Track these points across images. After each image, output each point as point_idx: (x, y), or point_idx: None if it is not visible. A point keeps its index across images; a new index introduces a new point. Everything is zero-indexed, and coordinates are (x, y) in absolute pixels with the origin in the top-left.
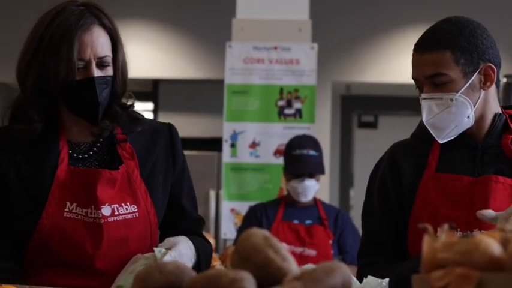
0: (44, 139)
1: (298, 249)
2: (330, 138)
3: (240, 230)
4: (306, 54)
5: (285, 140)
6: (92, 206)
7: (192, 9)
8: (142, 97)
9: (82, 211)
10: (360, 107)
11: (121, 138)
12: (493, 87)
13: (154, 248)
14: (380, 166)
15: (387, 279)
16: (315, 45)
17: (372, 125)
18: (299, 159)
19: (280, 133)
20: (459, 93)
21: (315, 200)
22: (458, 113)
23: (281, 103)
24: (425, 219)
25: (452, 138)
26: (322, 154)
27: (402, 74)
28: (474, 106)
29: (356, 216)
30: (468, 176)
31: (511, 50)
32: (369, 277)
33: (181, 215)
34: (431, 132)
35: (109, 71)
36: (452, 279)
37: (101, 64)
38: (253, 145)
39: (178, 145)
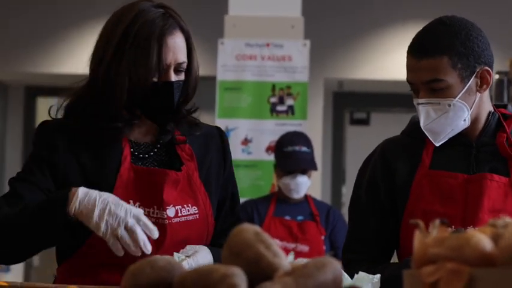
0: (107, 137)
1: (291, 245)
2: (322, 135)
3: None
4: (298, 51)
5: (277, 137)
6: (155, 206)
7: (184, 6)
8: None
9: (145, 210)
10: (352, 103)
11: (181, 139)
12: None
13: (174, 253)
14: (370, 162)
15: (378, 275)
16: (307, 42)
17: (364, 122)
18: (291, 155)
19: (273, 130)
20: (457, 99)
21: (306, 196)
22: (455, 118)
23: (273, 100)
24: (419, 216)
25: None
26: (313, 150)
27: (394, 71)
28: (470, 109)
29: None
30: (463, 173)
31: (501, 46)
32: (361, 273)
33: (222, 218)
34: (429, 137)
35: (182, 76)
36: (443, 274)
37: (178, 69)
38: (246, 142)
39: (228, 149)
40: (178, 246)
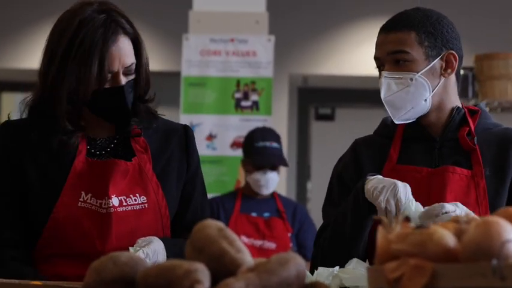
0: (63, 133)
1: (258, 242)
2: (287, 131)
3: None
4: (263, 47)
5: (241, 132)
6: (106, 197)
7: (149, 1)
8: None
9: (96, 202)
10: (317, 99)
11: (136, 132)
12: (453, 79)
13: (130, 248)
14: (342, 160)
15: (337, 267)
16: (272, 38)
17: (329, 118)
18: (263, 151)
19: (237, 125)
20: (419, 74)
21: (272, 192)
22: (416, 94)
23: (238, 95)
24: None
25: (410, 121)
26: (282, 147)
27: (359, 67)
28: (433, 91)
29: (313, 208)
30: (427, 167)
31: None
32: (320, 268)
33: (187, 214)
34: (388, 111)
35: (133, 75)
36: (406, 270)
37: (127, 72)
38: (210, 137)
39: (193, 146)
40: (127, 236)
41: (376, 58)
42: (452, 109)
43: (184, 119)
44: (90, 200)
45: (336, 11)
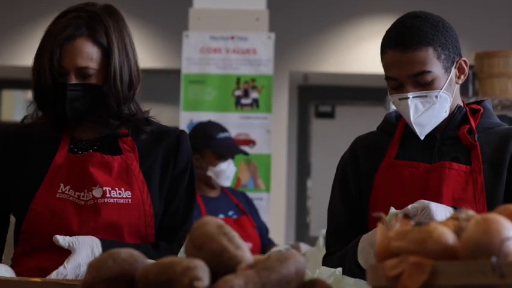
0: (49, 133)
1: None
2: (287, 128)
3: None
4: (263, 44)
5: (242, 130)
6: (86, 189)
7: None
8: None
9: (75, 193)
10: (317, 97)
11: (123, 133)
12: None
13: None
14: (343, 158)
15: (340, 268)
16: (272, 35)
17: (330, 115)
18: (227, 141)
19: (237, 123)
20: (443, 90)
21: (221, 188)
22: (440, 109)
23: (238, 93)
24: (382, 207)
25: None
26: None
27: (360, 64)
28: (451, 100)
29: (314, 206)
30: (425, 163)
31: (466, 39)
32: (322, 267)
33: (164, 217)
34: (416, 131)
35: (92, 80)
36: (406, 267)
37: (82, 74)
38: None
39: (184, 151)
40: (108, 229)
41: (391, 78)
42: (455, 108)
43: (184, 116)
44: (69, 191)
45: (337, 8)
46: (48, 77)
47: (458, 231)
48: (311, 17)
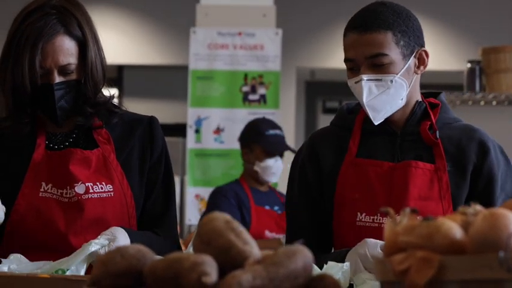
0: (22, 129)
1: (280, 236)
2: (295, 124)
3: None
4: (270, 40)
5: None
6: (68, 187)
7: None
8: (107, 83)
9: (57, 191)
10: (324, 92)
11: (97, 125)
12: (419, 74)
13: (93, 242)
14: (300, 156)
15: (348, 263)
16: (280, 31)
17: (337, 111)
18: (276, 138)
19: (245, 119)
20: (399, 75)
21: (268, 185)
22: (395, 94)
23: (245, 89)
24: (346, 205)
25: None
26: None
27: None
28: (408, 88)
29: None
30: (388, 162)
31: (473, 35)
32: (330, 262)
33: (147, 203)
34: (369, 114)
35: (73, 76)
36: (414, 262)
37: (64, 71)
38: (218, 131)
39: (158, 136)
40: (94, 225)
41: (349, 60)
42: (415, 103)
43: (192, 112)
44: (51, 189)
45: (344, 4)
46: (27, 80)
47: (465, 226)
48: (318, 13)
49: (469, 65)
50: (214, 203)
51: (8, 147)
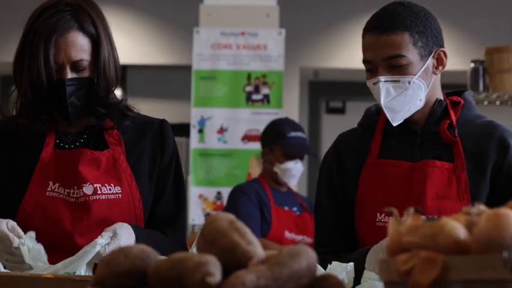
0: (39, 127)
1: (299, 237)
2: None
3: (238, 215)
4: (274, 40)
5: (252, 126)
6: (75, 186)
7: None
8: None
9: (65, 191)
10: (328, 92)
11: (109, 126)
12: (439, 74)
13: (97, 240)
14: (326, 158)
15: (352, 263)
16: (283, 31)
17: (340, 111)
18: (297, 141)
19: (248, 119)
20: (417, 76)
21: (287, 187)
22: (414, 96)
23: (249, 89)
24: (367, 206)
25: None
26: None
27: None
28: (427, 89)
29: None
30: (408, 162)
31: (476, 35)
32: (334, 262)
33: (157, 207)
34: (387, 115)
35: (85, 73)
36: (417, 262)
37: (76, 67)
38: (221, 131)
39: (169, 140)
40: (101, 226)
41: (367, 61)
42: (435, 102)
43: (195, 112)
44: (58, 189)
45: (347, 4)
46: (43, 75)
47: (469, 226)
48: (321, 13)
49: (472, 65)
50: (234, 200)
51: (19, 145)
